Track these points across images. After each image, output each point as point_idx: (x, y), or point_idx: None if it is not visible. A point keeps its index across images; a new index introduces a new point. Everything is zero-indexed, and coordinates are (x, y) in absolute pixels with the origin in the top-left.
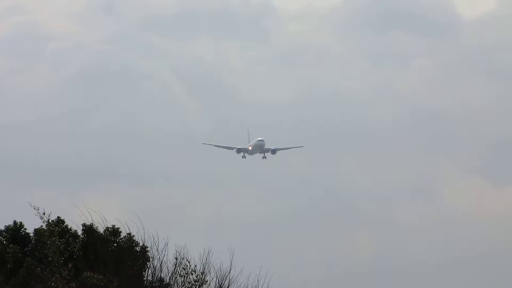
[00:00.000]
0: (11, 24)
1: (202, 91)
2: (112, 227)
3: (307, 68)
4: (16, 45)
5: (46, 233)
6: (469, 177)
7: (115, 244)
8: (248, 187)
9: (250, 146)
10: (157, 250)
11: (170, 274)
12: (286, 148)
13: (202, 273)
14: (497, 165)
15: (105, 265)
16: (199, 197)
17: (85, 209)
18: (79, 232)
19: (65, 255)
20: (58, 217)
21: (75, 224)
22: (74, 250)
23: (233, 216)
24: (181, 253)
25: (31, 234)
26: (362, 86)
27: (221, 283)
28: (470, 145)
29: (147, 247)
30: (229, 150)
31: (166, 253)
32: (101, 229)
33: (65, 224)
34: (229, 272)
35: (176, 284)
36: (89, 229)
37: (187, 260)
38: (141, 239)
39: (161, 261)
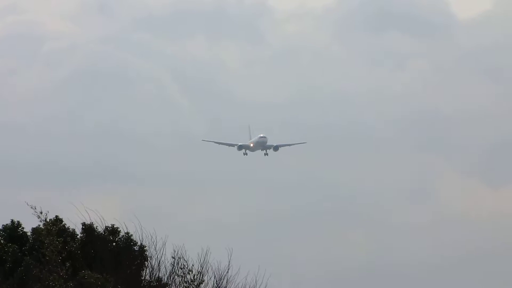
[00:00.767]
0: (6, 24)
1: (197, 91)
2: (111, 227)
3: (303, 68)
4: (12, 45)
5: (43, 232)
6: (467, 178)
7: (113, 244)
8: (247, 188)
9: (251, 143)
10: (155, 249)
11: (168, 274)
12: (289, 145)
13: (200, 272)
14: (494, 165)
15: (103, 265)
16: (198, 197)
17: (83, 208)
18: (78, 231)
19: (63, 254)
20: (57, 216)
21: (73, 223)
22: (72, 249)
23: (232, 215)
24: (179, 253)
25: (29, 233)
26: (358, 86)
27: (219, 283)
28: (467, 145)
29: (145, 247)
30: (230, 147)
31: (164, 253)
32: (100, 229)
33: (63, 223)
34: (227, 271)
35: (174, 284)
36: (88, 228)
37: (184, 260)
38: (139, 239)
39: (159, 261)
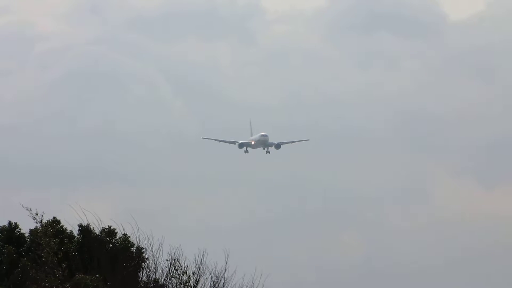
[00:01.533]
0: None
1: (189, 92)
2: (108, 228)
3: (294, 70)
4: (3, 45)
5: (39, 233)
6: (460, 178)
7: (110, 245)
8: (244, 189)
9: (252, 140)
10: (152, 250)
11: (164, 275)
12: (291, 142)
13: (197, 273)
14: (488, 166)
15: (100, 266)
16: (195, 198)
17: (79, 209)
18: (75, 233)
19: (59, 256)
20: (54, 217)
21: (70, 224)
22: (69, 250)
23: (228, 217)
24: (176, 254)
25: (27, 235)
26: (349, 87)
27: (216, 284)
28: (460, 146)
29: (142, 248)
30: (231, 144)
31: (160, 254)
32: (96, 230)
33: (60, 224)
34: (224, 272)
35: (170, 285)
36: (85, 230)
37: (178, 262)
38: (136, 240)
39: (156, 262)
